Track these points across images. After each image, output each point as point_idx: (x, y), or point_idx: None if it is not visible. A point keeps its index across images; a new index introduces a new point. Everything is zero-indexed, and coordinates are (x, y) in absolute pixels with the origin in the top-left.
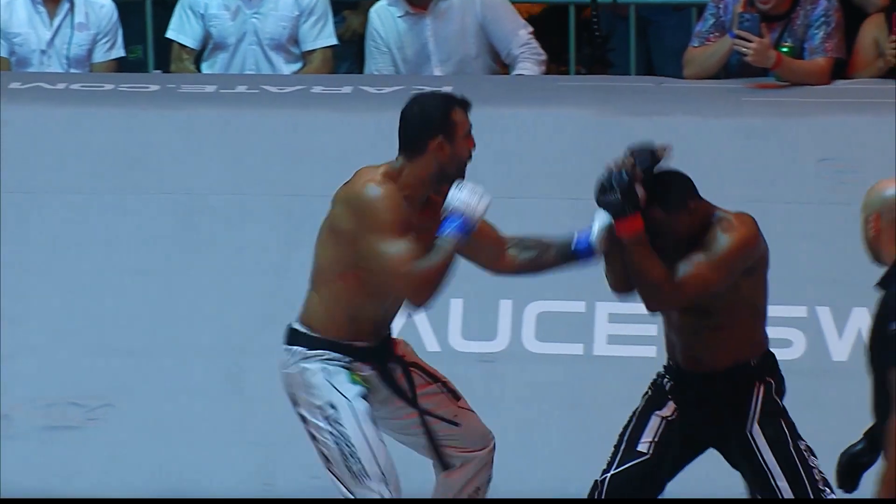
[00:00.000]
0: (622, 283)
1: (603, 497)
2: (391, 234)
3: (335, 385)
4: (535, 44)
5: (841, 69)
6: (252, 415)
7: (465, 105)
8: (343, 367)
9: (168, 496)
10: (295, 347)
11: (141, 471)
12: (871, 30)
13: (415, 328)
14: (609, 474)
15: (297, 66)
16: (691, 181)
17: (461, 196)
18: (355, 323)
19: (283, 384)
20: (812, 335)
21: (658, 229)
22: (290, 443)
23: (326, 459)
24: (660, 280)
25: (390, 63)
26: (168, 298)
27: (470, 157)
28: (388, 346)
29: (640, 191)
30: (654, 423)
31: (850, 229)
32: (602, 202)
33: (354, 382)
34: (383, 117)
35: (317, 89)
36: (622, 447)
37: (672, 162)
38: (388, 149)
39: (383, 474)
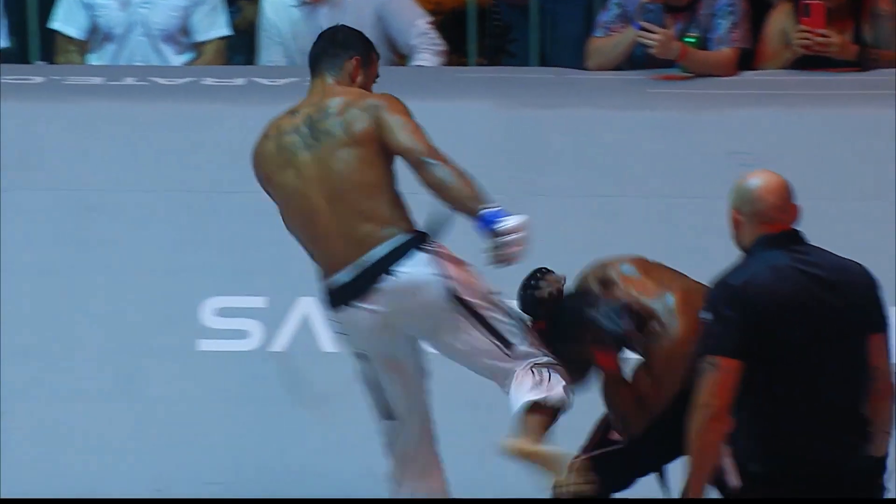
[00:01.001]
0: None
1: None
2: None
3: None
4: (433, 34)
5: (748, 60)
6: (146, 419)
7: (378, 56)
8: None
9: (61, 496)
10: (424, 247)
11: (31, 476)
12: (779, 19)
13: (318, 327)
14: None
15: (188, 57)
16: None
17: (512, 220)
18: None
19: (422, 299)
20: None
21: None
22: (185, 447)
23: (504, 343)
24: (631, 411)
25: (284, 54)
26: (59, 299)
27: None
28: None
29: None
30: None
31: None
32: (609, 336)
33: None
34: (278, 109)
35: (208, 81)
36: (598, 431)
37: (578, 155)
38: None
39: None
